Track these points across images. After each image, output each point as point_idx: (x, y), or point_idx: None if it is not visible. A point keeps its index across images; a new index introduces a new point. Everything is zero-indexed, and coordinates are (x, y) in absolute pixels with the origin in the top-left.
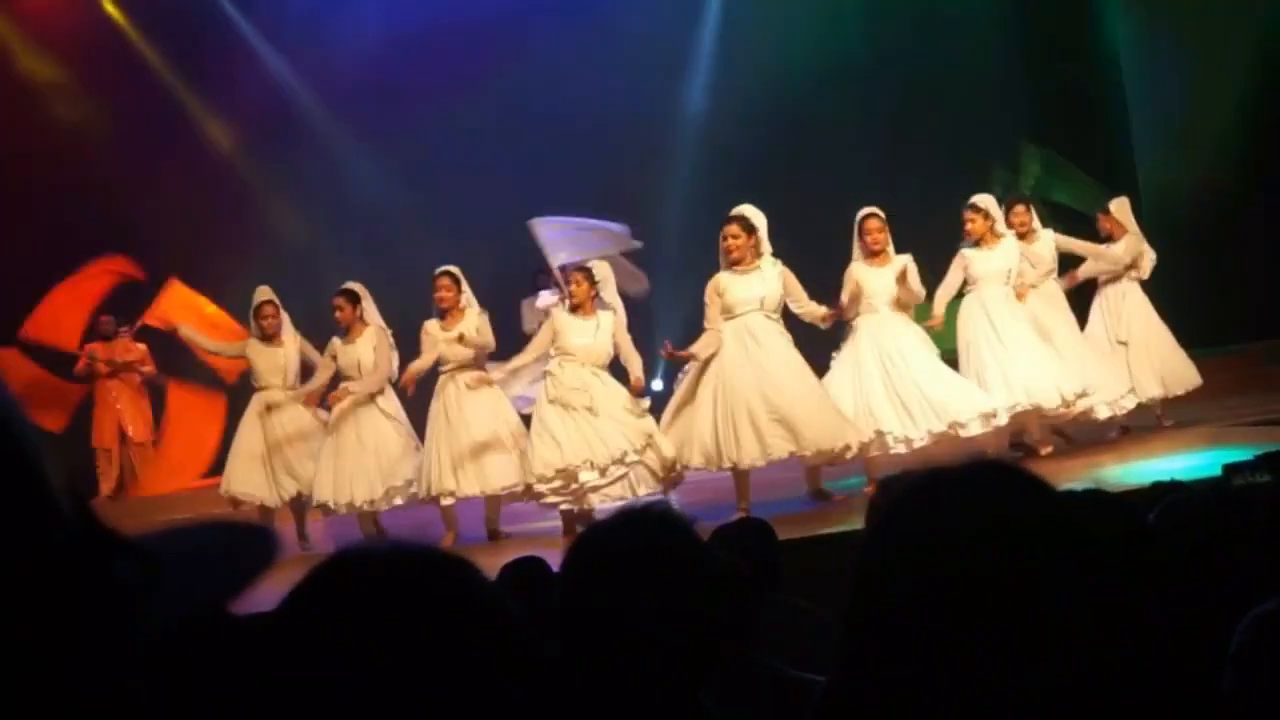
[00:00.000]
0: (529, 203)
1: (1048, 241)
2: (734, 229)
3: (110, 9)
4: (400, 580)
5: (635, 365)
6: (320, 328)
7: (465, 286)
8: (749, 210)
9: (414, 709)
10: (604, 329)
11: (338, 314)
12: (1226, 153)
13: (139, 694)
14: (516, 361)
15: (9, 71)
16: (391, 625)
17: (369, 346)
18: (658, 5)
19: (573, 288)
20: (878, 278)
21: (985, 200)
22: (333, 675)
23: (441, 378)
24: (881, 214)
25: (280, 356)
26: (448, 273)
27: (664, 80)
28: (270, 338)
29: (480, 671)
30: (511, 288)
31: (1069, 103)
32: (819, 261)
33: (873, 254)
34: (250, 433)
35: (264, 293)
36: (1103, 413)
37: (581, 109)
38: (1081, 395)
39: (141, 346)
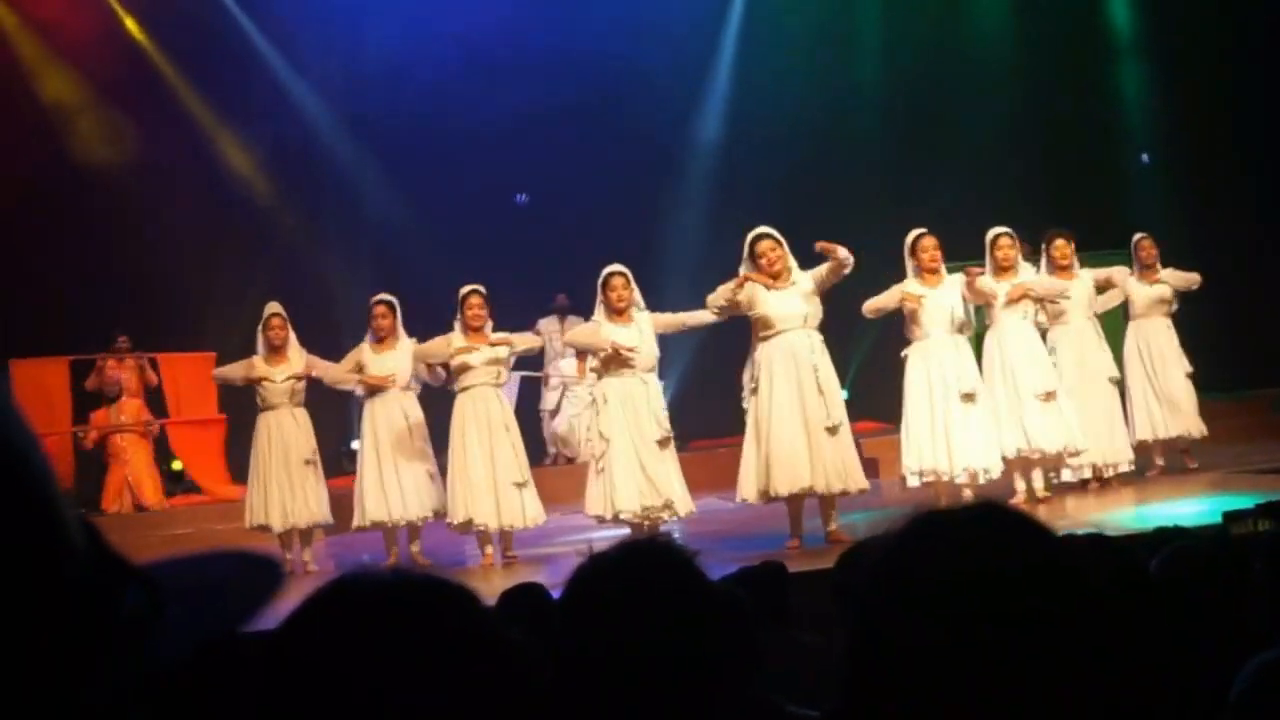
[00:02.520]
0: (543, 227)
1: (1086, 281)
2: (770, 244)
3: (132, 29)
4: (400, 605)
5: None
6: (330, 348)
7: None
8: (771, 229)
9: None
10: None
11: (382, 321)
12: (1239, 195)
13: None
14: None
15: (32, 94)
16: (389, 650)
17: (406, 356)
18: (675, 33)
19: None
20: (931, 296)
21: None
22: (331, 698)
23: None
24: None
25: (286, 373)
26: (478, 291)
27: (680, 108)
28: (276, 349)
29: (478, 699)
30: (525, 309)
31: (1081, 137)
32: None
33: (930, 272)
34: (267, 459)
35: (273, 306)
36: (1083, 473)
37: (598, 133)
38: (1077, 452)
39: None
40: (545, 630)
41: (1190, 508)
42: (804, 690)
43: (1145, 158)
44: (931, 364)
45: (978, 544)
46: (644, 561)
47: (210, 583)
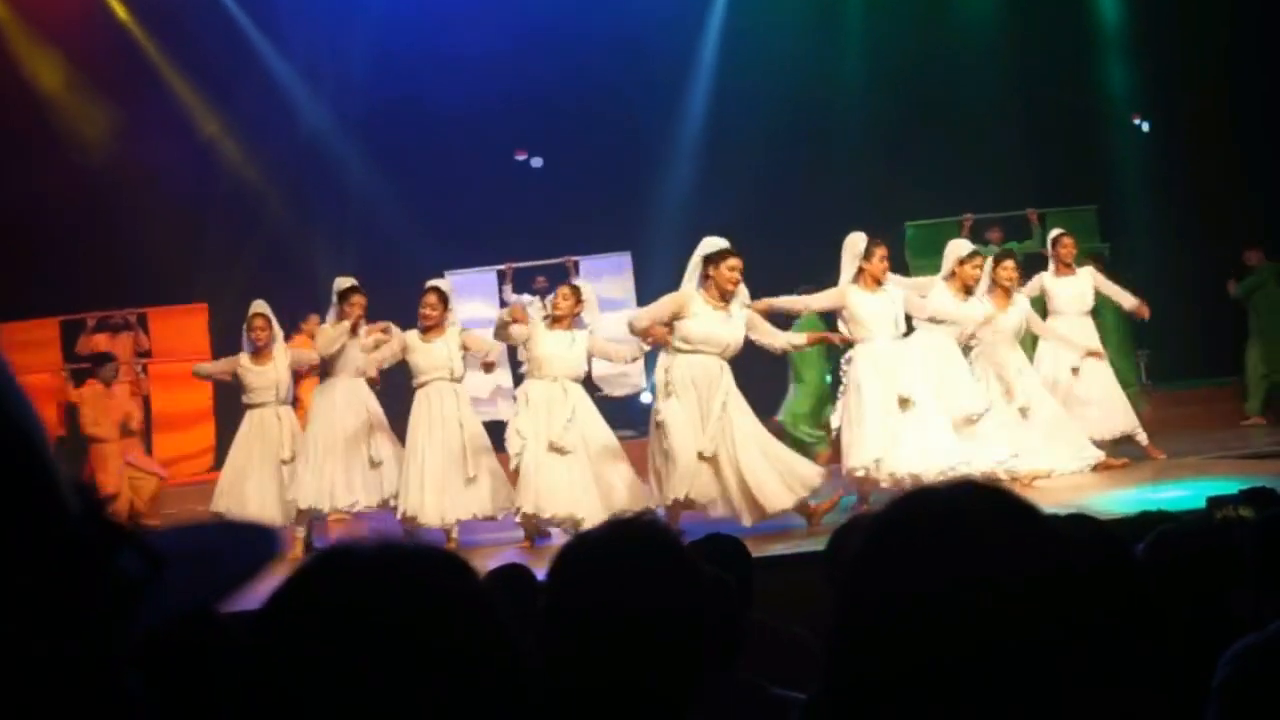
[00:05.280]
0: (527, 211)
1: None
2: (739, 262)
3: (118, 10)
4: (387, 577)
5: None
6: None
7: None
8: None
9: (400, 708)
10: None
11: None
12: (1222, 186)
13: (135, 686)
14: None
15: (18, 77)
16: (376, 622)
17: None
18: (660, 20)
19: (559, 301)
20: (877, 303)
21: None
22: (316, 673)
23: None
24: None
25: (271, 372)
26: (436, 289)
27: (665, 94)
28: (260, 350)
29: (468, 673)
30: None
31: (1066, 129)
32: (810, 271)
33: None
34: (248, 451)
35: (257, 305)
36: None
37: (583, 118)
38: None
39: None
40: (530, 612)
41: (1173, 492)
42: (769, 671)
43: (1145, 125)
44: (880, 368)
45: (963, 521)
46: (630, 542)
47: (206, 548)
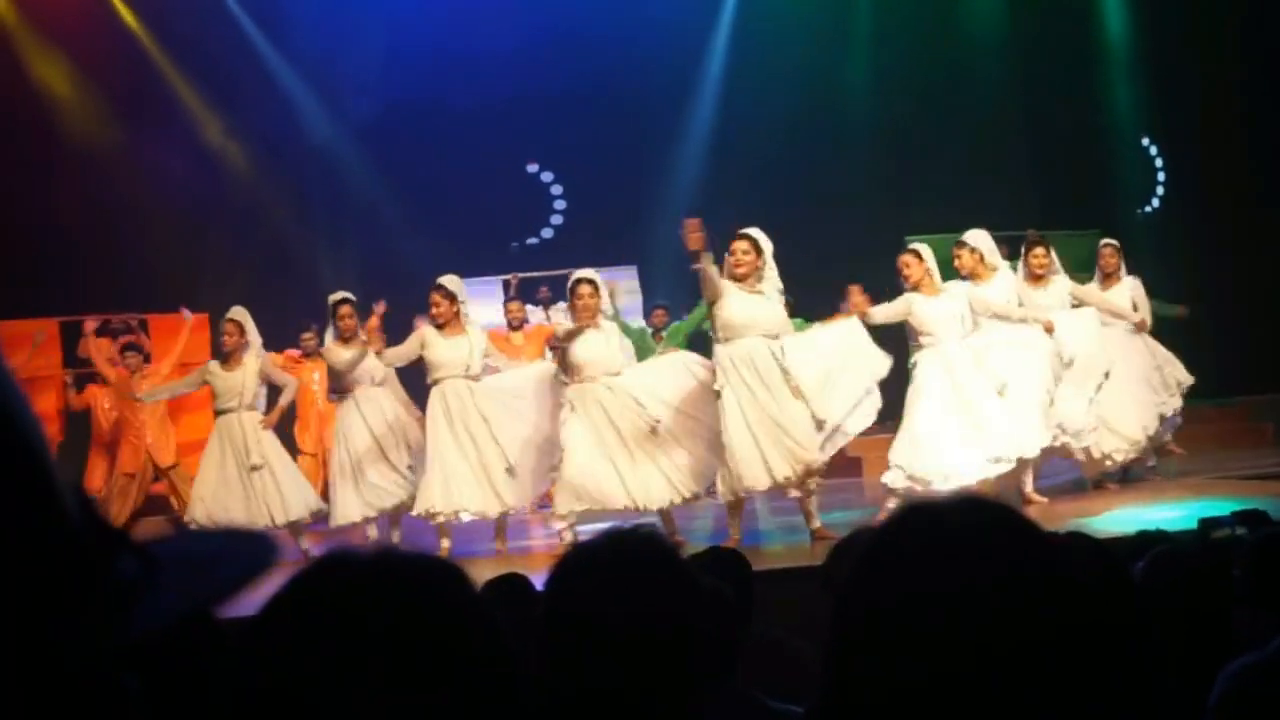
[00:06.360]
0: (533, 221)
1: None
2: (744, 245)
3: (124, 14)
4: (383, 584)
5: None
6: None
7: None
8: (757, 232)
9: (394, 714)
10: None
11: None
12: (1230, 207)
13: (133, 690)
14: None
15: (24, 80)
16: (372, 629)
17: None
18: (665, 33)
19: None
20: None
21: (975, 236)
22: (312, 679)
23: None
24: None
25: (238, 378)
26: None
27: (671, 106)
28: (228, 357)
29: (463, 680)
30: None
31: (1072, 148)
32: (816, 275)
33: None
34: (214, 458)
35: (231, 311)
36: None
37: (589, 123)
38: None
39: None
40: (528, 620)
41: (1168, 513)
42: (768, 685)
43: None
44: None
45: (962, 535)
46: (627, 552)
47: (204, 554)
